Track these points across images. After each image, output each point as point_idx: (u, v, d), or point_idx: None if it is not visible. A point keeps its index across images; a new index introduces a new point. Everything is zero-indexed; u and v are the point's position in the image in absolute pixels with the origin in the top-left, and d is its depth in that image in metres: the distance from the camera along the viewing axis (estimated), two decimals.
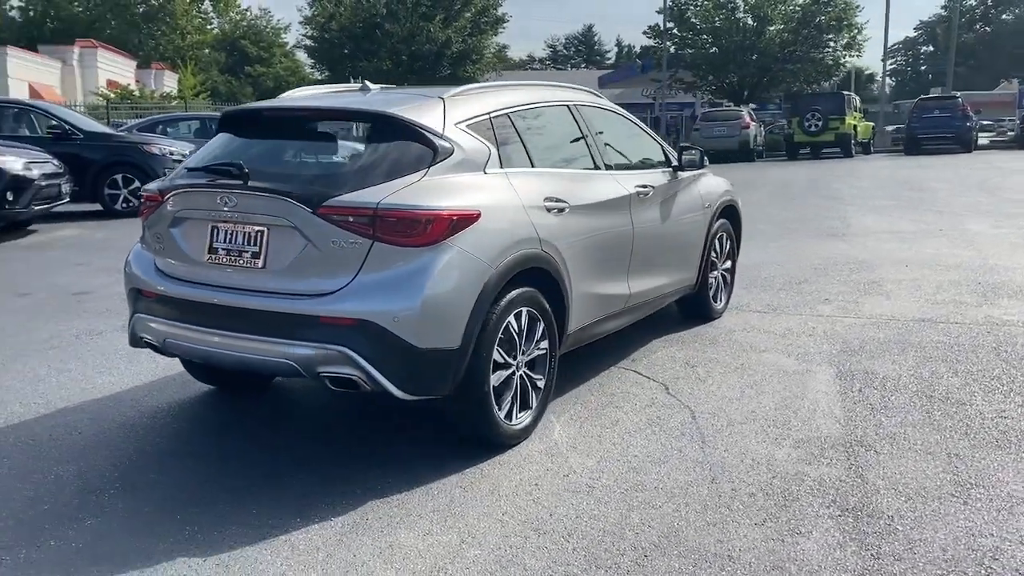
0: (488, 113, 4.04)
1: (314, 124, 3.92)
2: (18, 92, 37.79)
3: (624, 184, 4.80)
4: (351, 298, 3.39)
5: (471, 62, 32.29)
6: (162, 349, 3.91)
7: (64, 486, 3.58)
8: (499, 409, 3.79)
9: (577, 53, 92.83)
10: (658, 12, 36.85)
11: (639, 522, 3.20)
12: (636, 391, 4.69)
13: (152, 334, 3.90)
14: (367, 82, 4.30)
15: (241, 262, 3.62)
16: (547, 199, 4.08)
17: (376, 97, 4.06)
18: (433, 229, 3.43)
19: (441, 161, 3.66)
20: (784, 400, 4.51)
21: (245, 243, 3.61)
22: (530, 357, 3.99)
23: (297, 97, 4.35)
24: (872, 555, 2.96)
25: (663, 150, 5.53)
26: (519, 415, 3.93)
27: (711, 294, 6.11)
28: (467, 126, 3.87)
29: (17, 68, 42.90)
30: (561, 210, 4.18)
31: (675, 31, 38.43)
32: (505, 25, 35.49)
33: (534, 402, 4.04)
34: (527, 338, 3.94)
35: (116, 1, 71.01)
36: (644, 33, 41.98)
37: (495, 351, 3.70)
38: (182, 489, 3.54)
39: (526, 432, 3.98)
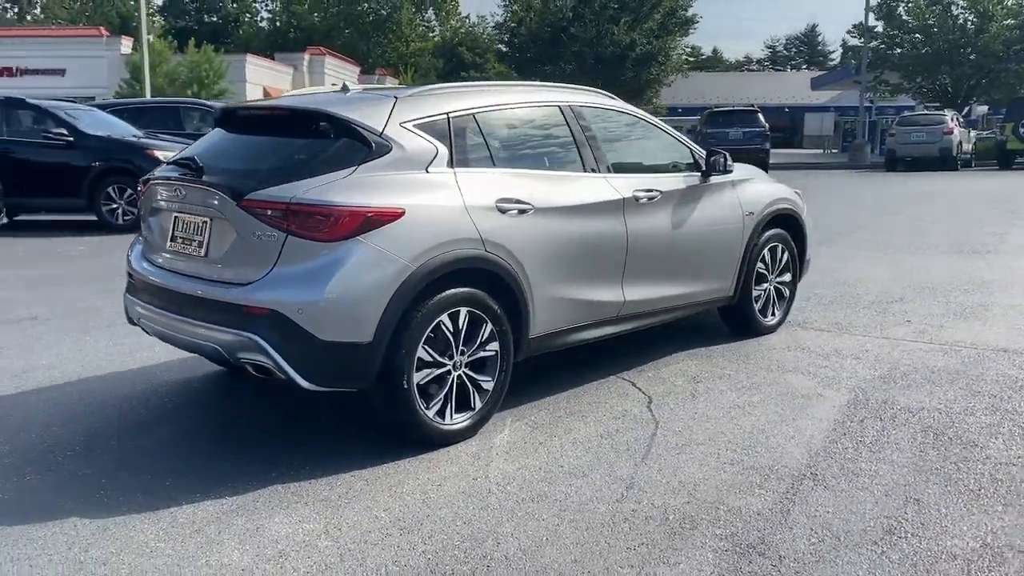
0: (446, 113, 4.04)
1: (270, 122, 4.10)
2: (254, 95, 41.64)
3: (618, 187, 4.62)
4: (265, 288, 3.53)
5: (657, 63, 31.81)
6: (141, 327, 4.25)
7: (37, 445, 3.97)
8: (427, 407, 3.79)
9: (798, 54, 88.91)
10: (866, 9, 34.46)
11: (508, 532, 3.11)
12: (615, 402, 4.51)
13: (133, 314, 4.25)
14: (346, 83, 4.43)
15: (190, 250, 3.87)
16: (502, 200, 4.02)
17: (338, 96, 4.18)
18: (344, 225, 3.50)
19: (375, 159, 3.72)
20: (767, 424, 4.17)
21: (195, 233, 3.85)
22: (474, 358, 3.96)
23: (280, 97, 4.56)
24: None
25: (692, 154, 5.26)
26: (455, 416, 3.90)
27: (758, 308, 5.73)
28: (415, 126, 3.90)
29: (254, 74, 47.34)
30: (522, 211, 4.10)
31: (883, 29, 35.79)
32: (696, 26, 34.68)
33: (478, 404, 3.99)
34: (468, 339, 3.91)
35: (349, 12, 76.83)
36: (848, 32, 39.45)
37: (420, 349, 3.71)
38: (128, 457, 3.83)
39: (465, 433, 3.94)
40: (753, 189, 5.61)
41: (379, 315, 3.54)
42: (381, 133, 3.78)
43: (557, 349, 4.53)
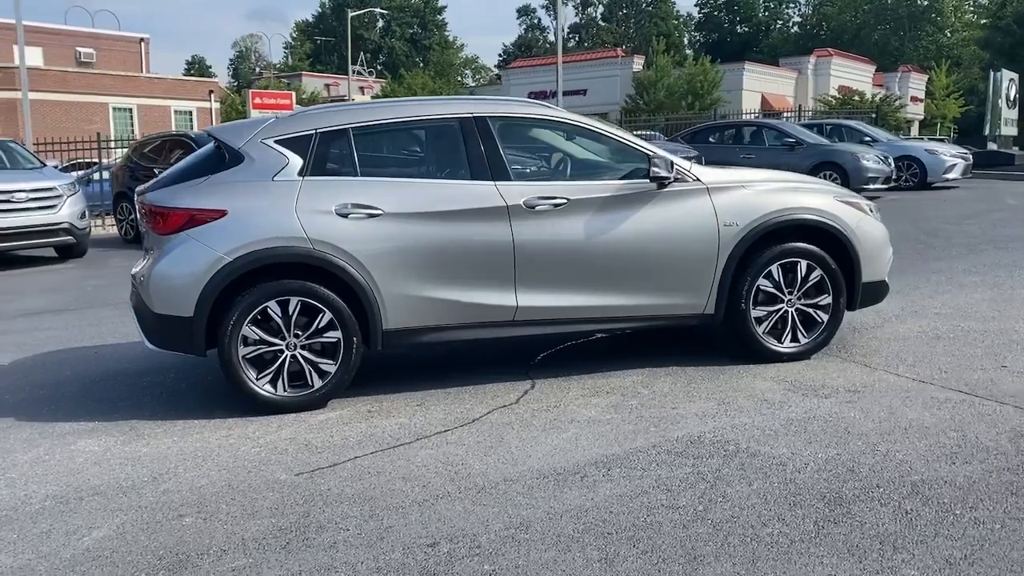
0: (315, 129, 4.67)
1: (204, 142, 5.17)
2: (751, 102, 42.65)
3: (508, 195, 4.69)
4: (138, 269, 4.65)
5: None
6: None
7: (47, 380, 5.51)
8: (259, 378, 4.51)
9: None
10: None
11: (171, 474, 3.77)
12: (472, 403, 4.64)
13: None
14: (299, 107, 5.26)
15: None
16: (343, 204, 4.52)
17: (247, 120, 5.06)
18: (172, 221, 4.45)
19: (226, 169, 4.58)
20: (554, 443, 4.03)
21: None
22: (312, 342, 4.55)
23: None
24: None
25: (649, 161, 4.93)
26: (289, 390, 4.55)
27: (764, 330, 5.09)
28: (275, 141, 4.62)
29: (752, 81, 48.39)
30: (372, 216, 4.55)
31: None
32: None
33: (316, 383, 4.57)
34: (303, 325, 4.52)
35: (882, 7, 73.36)
36: None
37: (246, 328, 4.45)
38: (93, 390, 5.21)
39: (304, 406, 4.56)
40: (741, 196, 5.01)
41: (196, 296, 4.39)
42: (238, 148, 4.61)
43: (438, 342, 4.82)
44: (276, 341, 4.52)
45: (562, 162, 5.20)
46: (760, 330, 5.10)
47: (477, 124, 4.84)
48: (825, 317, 5.18)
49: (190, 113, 42.91)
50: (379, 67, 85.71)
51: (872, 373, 4.90)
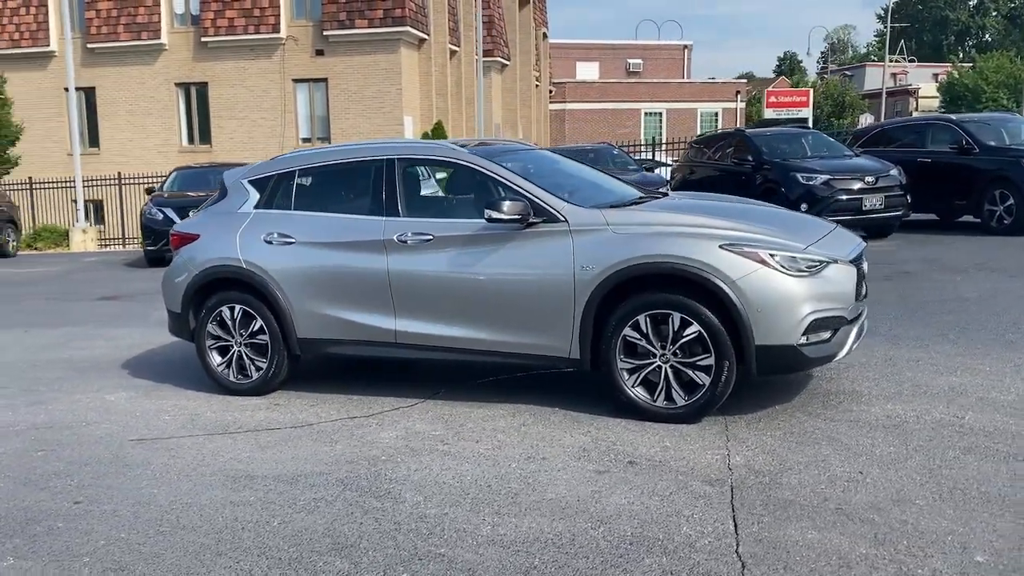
0: (275, 171, 5.76)
1: None
2: None
3: (389, 229, 5.18)
4: None
5: None
6: None
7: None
8: (219, 365, 5.81)
9: None
10: None
11: (88, 423, 5.30)
12: (349, 409, 5.28)
13: None
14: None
15: None
16: (270, 233, 5.54)
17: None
18: (174, 242, 5.98)
19: (217, 202, 5.94)
20: (284, 454, 4.57)
21: None
22: (252, 342, 5.68)
23: None
24: None
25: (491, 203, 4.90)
26: (237, 378, 5.76)
27: (632, 382, 4.69)
28: (248, 181, 5.83)
29: None
30: (288, 243, 5.50)
31: None
32: None
33: (254, 375, 5.71)
34: (244, 327, 5.68)
35: None
36: None
37: (210, 325, 5.78)
38: (163, 366, 6.97)
39: (249, 392, 5.72)
40: (603, 240, 4.66)
41: (180, 297, 5.86)
42: (227, 185, 5.94)
43: (340, 353, 5.57)
44: (228, 338, 5.77)
45: (448, 201, 5.43)
46: (629, 382, 4.71)
47: (387, 166, 5.41)
48: (707, 379, 4.53)
49: (716, 114, 44.75)
50: (969, 50, 77.28)
51: (702, 453, 4.21)
